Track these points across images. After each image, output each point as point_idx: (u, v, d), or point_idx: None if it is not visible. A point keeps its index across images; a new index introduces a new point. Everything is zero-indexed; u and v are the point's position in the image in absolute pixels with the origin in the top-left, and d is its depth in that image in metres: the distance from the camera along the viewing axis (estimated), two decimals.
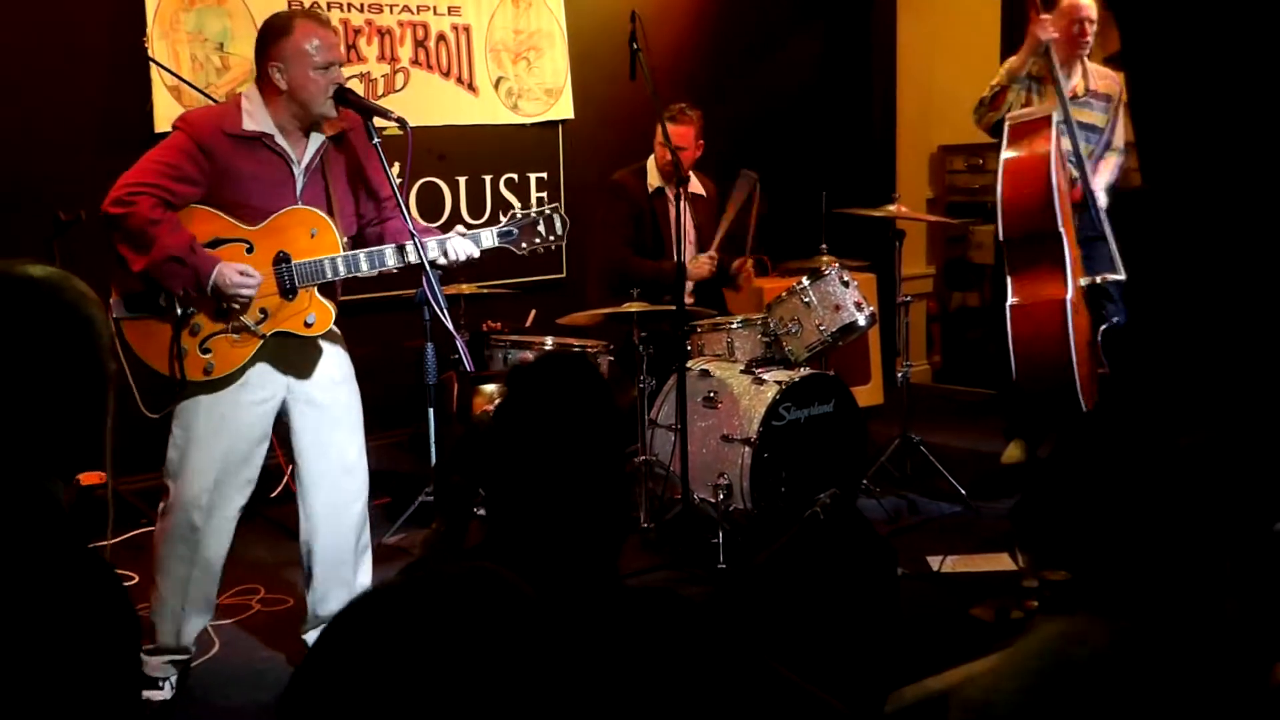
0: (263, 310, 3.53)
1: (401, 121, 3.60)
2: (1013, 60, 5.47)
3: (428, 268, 3.54)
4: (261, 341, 3.55)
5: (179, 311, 3.46)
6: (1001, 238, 5.26)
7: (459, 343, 3.59)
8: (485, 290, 5.24)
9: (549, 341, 5.09)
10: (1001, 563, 4.55)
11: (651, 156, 5.55)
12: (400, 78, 5.94)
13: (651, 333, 5.00)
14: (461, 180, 6.20)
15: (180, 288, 3.42)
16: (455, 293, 5.04)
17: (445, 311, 3.51)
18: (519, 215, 3.83)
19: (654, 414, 5.06)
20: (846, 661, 3.69)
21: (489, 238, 3.78)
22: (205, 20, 5.31)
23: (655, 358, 5.02)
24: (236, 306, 3.48)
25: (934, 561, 4.60)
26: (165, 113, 5.20)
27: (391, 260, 3.64)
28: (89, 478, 4.95)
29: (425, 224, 4.48)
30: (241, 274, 3.43)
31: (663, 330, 5.07)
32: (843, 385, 5.06)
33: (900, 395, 5.76)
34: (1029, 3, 5.35)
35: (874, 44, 7.66)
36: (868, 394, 6.71)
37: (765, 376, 4.89)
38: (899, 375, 5.78)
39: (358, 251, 3.62)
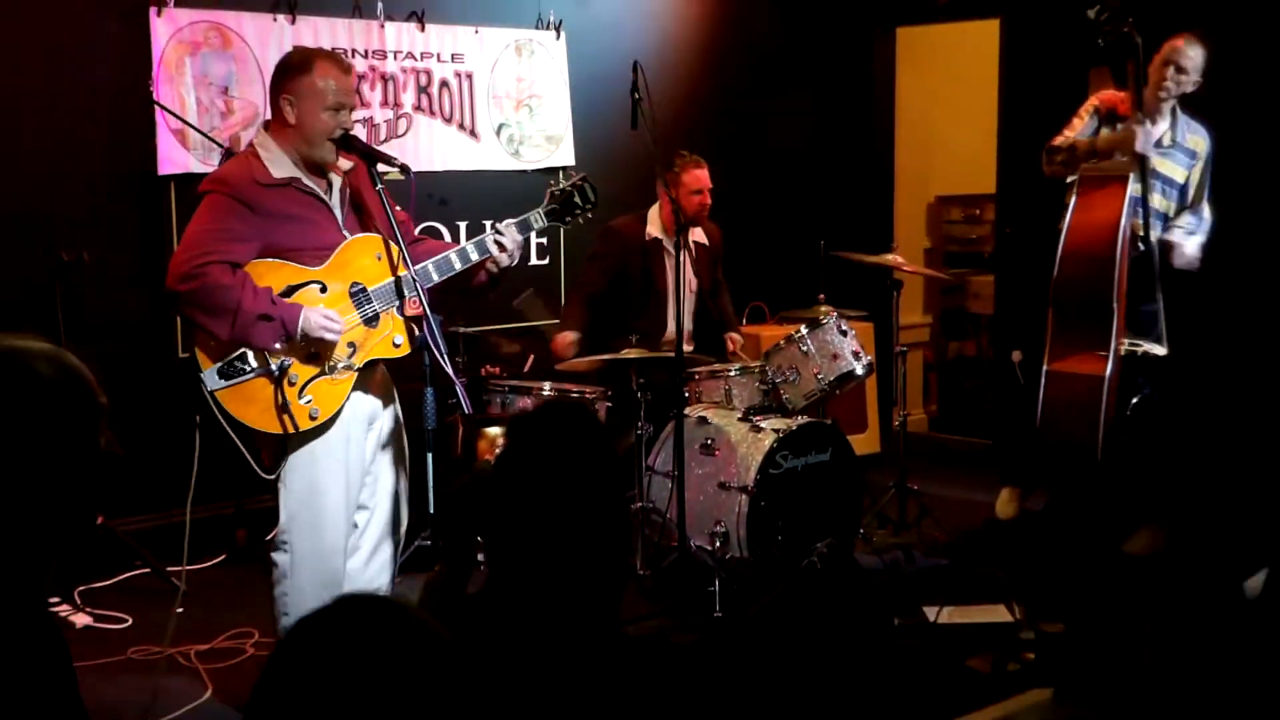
0: (351, 344, 3.58)
1: (404, 168, 3.66)
2: (1097, 139, 5.12)
3: (428, 314, 3.56)
4: (356, 374, 3.61)
5: (274, 367, 3.47)
6: (1052, 295, 5.02)
7: (458, 387, 3.61)
8: (484, 334, 5.26)
9: (547, 387, 5.10)
10: (998, 614, 4.53)
11: (655, 206, 5.55)
12: (403, 123, 5.98)
13: (650, 379, 5.01)
14: (462, 225, 6.23)
15: (273, 341, 3.43)
16: (454, 335, 5.05)
17: (445, 356, 3.53)
18: (557, 192, 3.98)
19: (651, 460, 5.06)
20: (843, 711, 3.68)
21: (538, 219, 3.92)
22: (210, 64, 5.35)
23: (653, 404, 5.03)
24: (326, 348, 3.51)
25: (930, 612, 4.59)
26: (169, 155, 5.25)
27: (458, 264, 3.72)
28: None
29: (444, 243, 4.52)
30: (326, 315, 3.49)
31: (661, 377, 5.08)
32: (840, 434, 5.07)
33: (897, 444, 5.76)
34: (1137, 61, 4.96)
35: (873, 95, 7.73)
36: (864, 442, 6.72)
37: (763, 424, 4.90)
38: (896, 424, 5.78)
39: (425, 263, 3.67)
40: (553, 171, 6.52)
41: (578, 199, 3.99)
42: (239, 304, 3.37)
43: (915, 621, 4.54)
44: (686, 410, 4.94)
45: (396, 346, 3.67)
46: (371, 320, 3.62)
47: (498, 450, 1.82)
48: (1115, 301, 4.89)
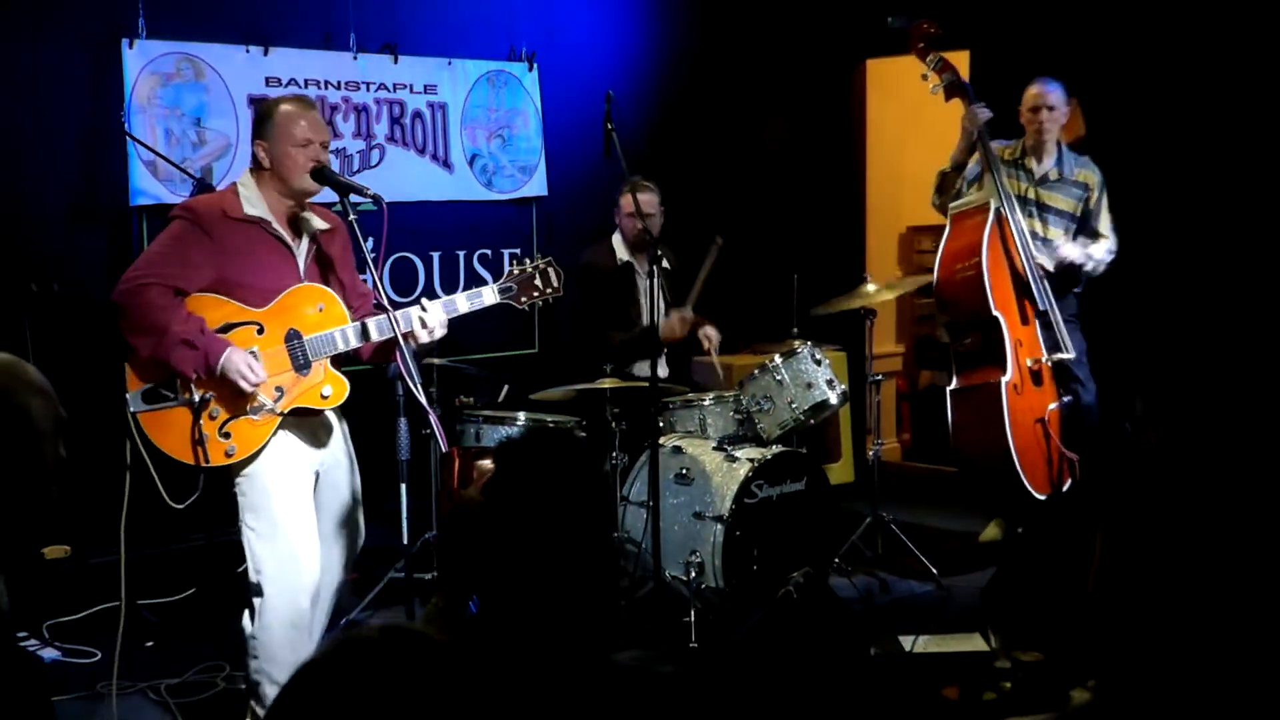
0: (278, 389, 3.60)
1: (377, 198, 3.67)
2: (954, 150, 5.51)
3: (402, 343, 3.57)
4: (280, 419, 3.60)
5: (195, 397, 3.48)
6: (941, 323, 5.33)
7: (432, 418, 3.61)
8: (458, 365, 5.25)
9: (521, 417, 5.08)
10: (974, 643, 4.53)
11: (616, 232, 5.58)
12: (376, 154, 5.98)
13: (624, 408, 5.00)
14: (435, 255, 6.23)
15: (191, 370, 3.46)
16: (428, 367, 5.04)
17: (419, 387, 3.53)
18: (516, 271, 3.95)
19: (626, 490, 5.04)
20: None
21: (490, 294, 3.89)
22: (183, 96, 5.34)
23: (628, 434, 5.01)
24: (243, 390, 3.51)
25: (906, 641, 4.58)
26: (142, 186, 5.23)
27: (375, 334, 3.72)
28: (53, 551, 4.89)
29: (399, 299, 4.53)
30: (249, 362, 3.50)
31: (635, 406, 5.07)
32: (815, 463, 5.06)
33: (871, 473, 5.77)
34: (964, 93, 5.46)
35: (843, 126, 7.77)
36: (838, 472, 6.72)
37: (737, 454, 4.89)
38: (870, 453, 5.79)
39: (365, 319, 3.69)
40: (526, 201, 6.54)
41: (539, 282, 3.96)
42: (167, 325, 3.43)
43: (891, 651, 4.53)
44: (661, 440, 4.93)
45: (324, 398, 3.69)
46: (303, 368, 3.64)
47: (485, 479, 1.81)
48: (996, 312, 5.13)
